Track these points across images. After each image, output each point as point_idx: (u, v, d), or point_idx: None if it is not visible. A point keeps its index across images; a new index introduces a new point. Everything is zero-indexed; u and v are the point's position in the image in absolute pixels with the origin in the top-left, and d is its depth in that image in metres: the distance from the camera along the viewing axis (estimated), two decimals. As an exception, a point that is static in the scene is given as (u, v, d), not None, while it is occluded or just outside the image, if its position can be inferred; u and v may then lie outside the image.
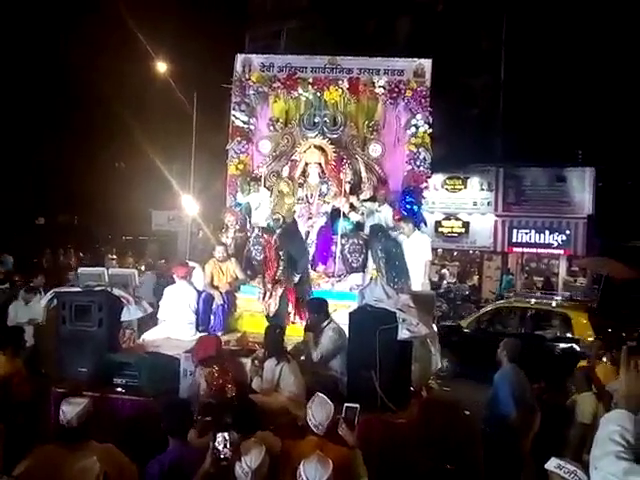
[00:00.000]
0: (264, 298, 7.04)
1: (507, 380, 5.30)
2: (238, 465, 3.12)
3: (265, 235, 7.34)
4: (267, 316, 6.97)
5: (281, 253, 6.99)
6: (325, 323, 5.81)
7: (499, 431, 5.10)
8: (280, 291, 6.92)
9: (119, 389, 5.45)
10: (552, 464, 2.91)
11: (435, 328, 6.47)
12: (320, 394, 3.83)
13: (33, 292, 8.90)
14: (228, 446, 3.19)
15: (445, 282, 19.38)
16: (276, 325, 6.16)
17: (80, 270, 7.23)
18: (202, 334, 6.62)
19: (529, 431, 5.18)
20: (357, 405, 3.82)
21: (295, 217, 7.78)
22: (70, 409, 3.45)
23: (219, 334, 6.69)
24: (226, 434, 3.23)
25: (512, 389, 5.18)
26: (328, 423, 3.66)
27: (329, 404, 3.73)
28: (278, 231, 7.27)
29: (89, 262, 14.50)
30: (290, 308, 7.00)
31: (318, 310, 5.95)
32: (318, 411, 3.68)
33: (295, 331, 6.81)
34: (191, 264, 7.79)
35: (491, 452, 5.20)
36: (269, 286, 7.05)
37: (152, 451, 3.71)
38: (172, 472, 3.43)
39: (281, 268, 6.98)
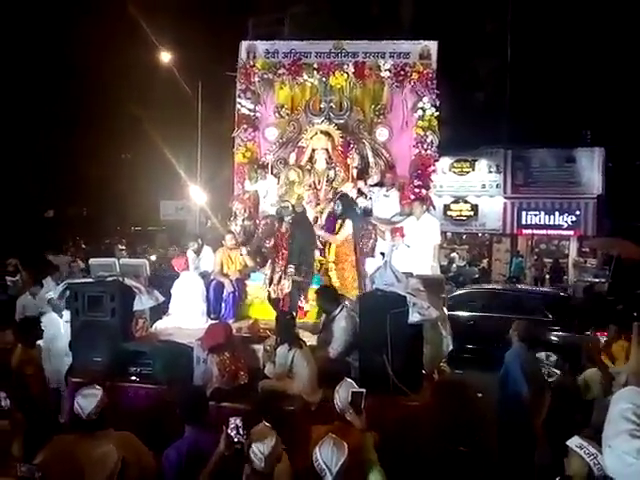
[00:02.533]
0: (272, 283, 7.00)
1: (518, 359, 5.32)
2: (251, 452, 3.14)
3: (275, 223, 7.34)
4: (275, 300, 6.96)
5: (294, 239, 6.94)
6: (337, 311, 5.80)
7: (512, 410, 5.12)
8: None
9: (134, 378, 5.50)
10: (574, 442, 2.88)
11: (446, 311, 6.48)
12: (348, 379, 3.87)
13: (40, 285, 8.86)
14: (241, 431, 3.23)
15: (454, 265, 19.35)
16: (287, 312, 6.18)
17: (91, 261, 7.26)
18: (213, 322, 6.66)
19: (541, 409, 5.18)
20: (363, 390, 3.83)
21: (304, 204, 7.73)
22: (87, 402, 3.48)
23: (230, 321, 6.72)
24: (238, 420, 3.27)
25: (523, 367, 5.20)
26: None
27: (357, 389, 3.77)
28: (287, 219, 7.20)
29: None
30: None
31: (328, 299, 5.94)
32: (345, 396, 3.71)
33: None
34: (206, 248, 7.93)
35: (504, 431, 5.21)
36: (279, 270, 7.02)
37: (168, 438, 3.75)
38: (190, 458, 3.47)
39: (292, 253, 6.94)
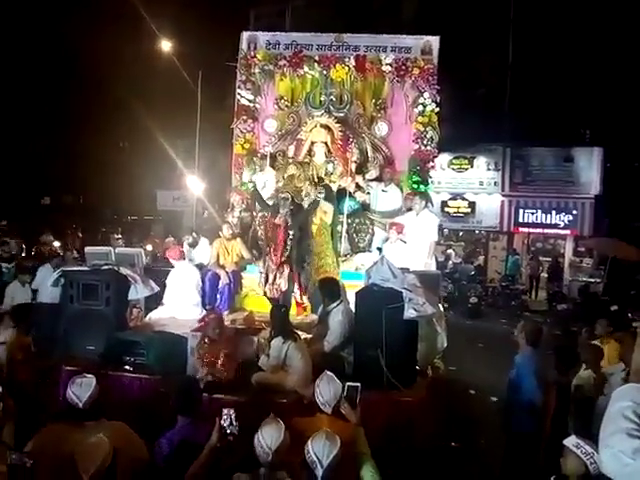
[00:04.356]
0: (267, 281, 6.82)
1: (530, 366, 4.98)
2: (258, 444, 3.10)
3: (270, 215, 7.10)
4: (272, 298, 6.85)
5: (291, 233, 6.77)
6: (335, 305, 5.80)
7: (525, 418, 4.83)
8: (287, 272, 6.76)
9: (127, 367, 5.48)
10: (571, 441, 2.87)
11: (441, 308, 6.48)
12: (328, 372, 3.83)
13: (29, 273, 8.78)
14: (233, 423, 3.21)
15: (451, 262, 19.36)
16: (281, 304, 6.17)
17: (87, 249, 7.23)
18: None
19: (551, 410, 5.00)
20: (358, 384, 3.81)
21: (303, 197, 7.62)
22: (82, 391, 3.45)
23: (225, 313, 6.71)
24: (231, 411, 3.25)
25: (537, 374, 4.90)
26: (336, 401, 3.66)
27: (337, 382, 3.73)
28: (284, 211, 6.96)
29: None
30: (295, 288, 6.96)
31: (328, 291, 5.94)
32: (326, 390, 3.68)
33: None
34: (202, 240, 7.88)
35: (515, 438, 4.97)
36: (273, 267, 6.81)
37: (160, 428, 3.74)
38: (181, 449, 3.45)
39: (288, 248, 6.78)
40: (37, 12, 20.54)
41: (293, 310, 6.62)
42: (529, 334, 5.18)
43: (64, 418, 3.50)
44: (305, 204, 7.41)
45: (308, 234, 7.10)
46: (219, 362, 5.17)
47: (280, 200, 6.95)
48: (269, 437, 3.08)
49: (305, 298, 6.97)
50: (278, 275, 6.79)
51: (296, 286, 6.95)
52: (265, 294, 6.94)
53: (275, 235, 6.80)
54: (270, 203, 7.38)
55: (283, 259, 6.77)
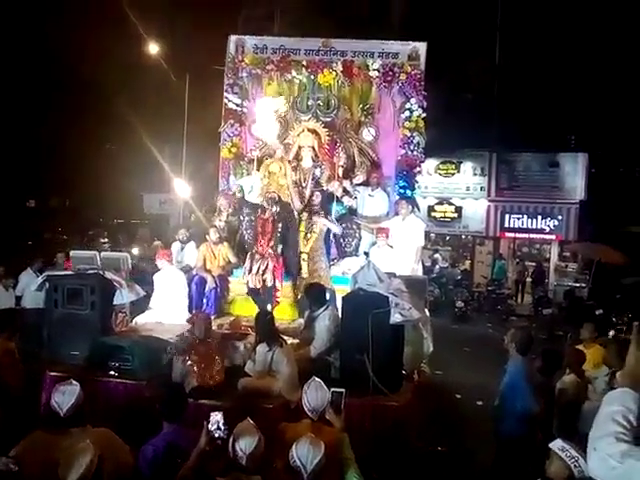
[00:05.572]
0: (250, 272, 6.89)
1: (522, 375, 4.91)
2: (233, 448, 3.11)
3: (259, 210, 7.25)
4: (254, 290, 6.91)
5: (279, 225, 6.93)
6: (321, 310, 5.81)
7: (516, 425, 4.77)
8: (272, 265, 6.83)
9: (112, 372, 5.44)
10: (556, 445, 2.87)
11: (427, 312, 6.51)
12: (316, 379, 3.82)
13: (13, 277, 8.69)
14: (221, 427, 3.20)
15: (437, 267, 19.42)
16: (266, 311, 6.17)
17: (72, 253, 7.17)
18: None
19: (541, 418, 4.95)
20: (343, 390, 3.81)
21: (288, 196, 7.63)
22: (64, 399, 3.42)
23: (212, 317, 6.68)
24: (219, 415, 3.24)
25: (528, 384, 4.83)
26: (323, 408, 3.66)
27: (325, 389, 3.73)
28: (274, 209, 7.11)
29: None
30: (277, 284, 6.97)
31: (315, 296, 5.96)
32: (313, 397, 3.67)
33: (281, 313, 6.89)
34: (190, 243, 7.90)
35: (504, 444, 4.95)
36: (258, 257, 6.93)
37: (146, 434, 3.71)
38: (167, 454, 3.43)
39: (275, 239, 6.91)
40: (24, 13, 20.38)
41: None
42: (519, 343, 5.10)
43: (48, 425, 3.47)
44: (297, 203, 7.51)
45: (294, 229, 7.22)
46: (205, 367, 5.16)
47: (268, 200, 7.14)
48: (243, 441, 3.10)
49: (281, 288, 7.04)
50: (262, 267, 6.81)
51: (277, 281, 6.96)
52: (247, 284, 6.96)
53: (264, 228, 7.00)
54: (258, 202, 7.54)
55: (269, 250, 6.92)
